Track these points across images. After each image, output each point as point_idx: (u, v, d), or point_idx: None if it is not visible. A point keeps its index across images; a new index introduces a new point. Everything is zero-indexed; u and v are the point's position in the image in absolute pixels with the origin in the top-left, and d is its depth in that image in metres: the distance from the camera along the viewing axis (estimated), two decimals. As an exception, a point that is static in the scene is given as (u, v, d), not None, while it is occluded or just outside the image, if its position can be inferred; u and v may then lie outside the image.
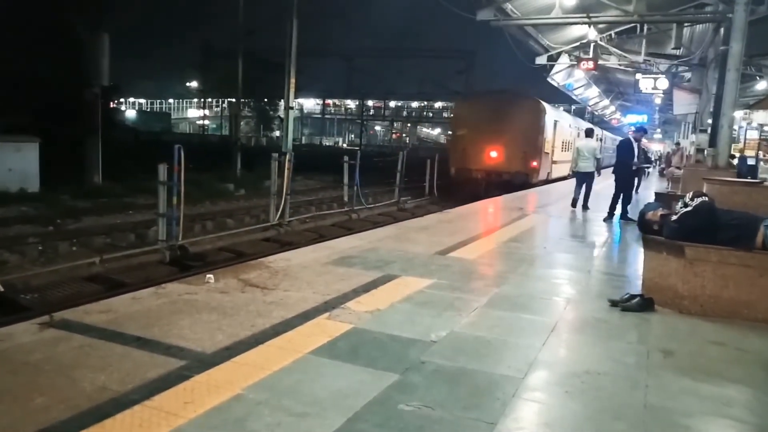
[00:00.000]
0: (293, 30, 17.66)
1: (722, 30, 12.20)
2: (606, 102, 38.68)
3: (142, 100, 76.95)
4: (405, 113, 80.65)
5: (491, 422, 2.72)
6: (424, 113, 79.81)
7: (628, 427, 2.77)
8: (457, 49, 58.55)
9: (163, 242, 8.07)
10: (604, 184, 13.49)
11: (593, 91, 32.77)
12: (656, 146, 48.58)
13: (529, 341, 3.86)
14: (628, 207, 10.64)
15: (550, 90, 27.46)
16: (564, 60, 21.45)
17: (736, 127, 14.83)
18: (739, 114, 15.90)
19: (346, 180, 13.53)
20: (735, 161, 9.75)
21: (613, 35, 19.61)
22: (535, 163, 19.49)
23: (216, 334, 3.66)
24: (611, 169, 11.37)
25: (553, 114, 22.14)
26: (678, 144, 27.32)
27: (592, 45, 19.04)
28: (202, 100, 53.62)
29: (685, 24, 15.67)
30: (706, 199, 4.89)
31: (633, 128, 12.99)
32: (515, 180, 18.93)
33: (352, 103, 74.79)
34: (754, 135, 16.29)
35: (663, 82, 19.92)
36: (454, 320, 4.20)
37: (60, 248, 9.27)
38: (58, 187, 14.52)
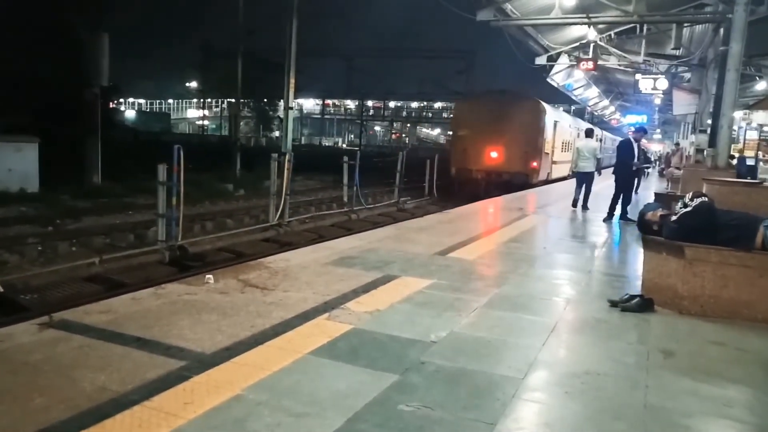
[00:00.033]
0: (293, 30, 17.65)
1: (722, 30, 12.22)
2: (606, 102, 38.72)
3: (142, 101, 76.90)
4: (405, 113, 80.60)
5: (491, 423, 2.72)
6: (424, 113, 79.75)
7: (628, 428, 2.77)
8: (457, 49, 58.59)
9: (162, 242, 8.07)
10: (604, 185, 13.50)
11: (593, 92, 32.81)
12: (656, 146, 48.61)
13: (529, 341, 3.86)
14: (628, 207, 10.65)
15: (550, 90, 27.50)
16: (564, 60, 21.47)
17: (735, 127, 14.81)
18: (738, 114, 15.90)
19: (345, 180, 13.53)
20: (734, 161, 9.75)
21: (612, 35, 19.63)
22: (535, 164, 19.50)
23: (216, 335, 3.66)
24: (611, 169, 11.39)
25: (553, 114, 22.15)
26: (677, 144, 27.32)
27: (591, 45, 19.06)
28: (202, 100, 53.62)
29: (685, 24, 15.70)
30: (706, 199, 4.89)
31: (633, 128, 13.00)
32: (515, 180, 18.95)
33: (351, 104, 74.74)
34: (753, 135, 16.27)
35: (662, 83, 19.93)
36: (453, 321, 4.20)
37: (60, 248, 9.27)
38: (57, 187, 14.52)
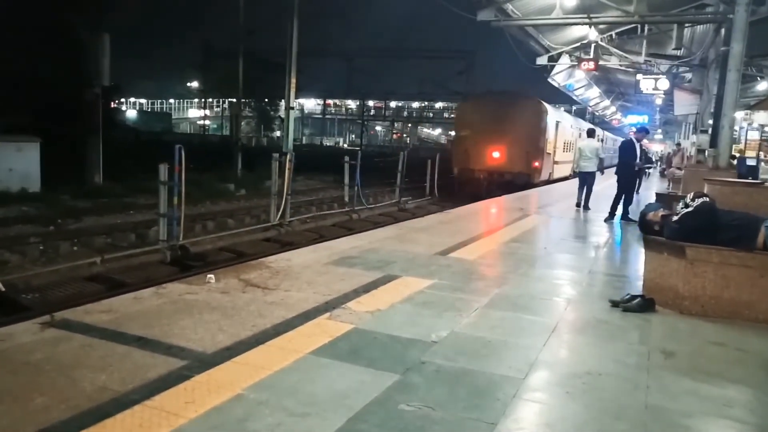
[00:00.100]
0: (293, 30, 17.67)
1: (723, 31, 12.22)
2: (607, 102, 38.73)
3: (143, 100, 76.92)
4: (405, 113, 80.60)
5: (492, 423, 2.72)
6: (425, 113, 79.76)
7: (628, 428, 2.77)
8: (458, 49, 58.56)
9: (163, 242, 8.08)
10: (605, 185, 13.50)
11: (594, 92, 32.81)
12: (657, 147, 48.57)
13: (529, 342, 3.86)
14: (629, 207, 10.65)
15: (551, 90, 27.52)
16: (565, 60, 21.48)
17: (736, 127, 14.80)
18: (739, 115, 15.90)
19: (346, 180, 13.53)
20: (736, 162, 9.74)
21: (613, 36, 19.63)
22: (537, 164, 19.51)
23: (217, 334, 3.67)
24: (613, 169, 11.40)
25: (554, 115, 22.16)
26: (679, 144, 27.32)
27: (592, 45, 19.07)
28: (203, 100, 53.59)
29: (686, 24, 15.66)
30: (707, 199, 4.89)
31: (634, 129, 13.00)
32: (517, 180, 18.96)
33: (352, 104, 74.74)
34: (754, 136, 16.25)
35: (664, 83, 19.93)
36: (454, 320, 4.20)
37: (61, 248, 9.28)
38: (58, 187, 14.52)
